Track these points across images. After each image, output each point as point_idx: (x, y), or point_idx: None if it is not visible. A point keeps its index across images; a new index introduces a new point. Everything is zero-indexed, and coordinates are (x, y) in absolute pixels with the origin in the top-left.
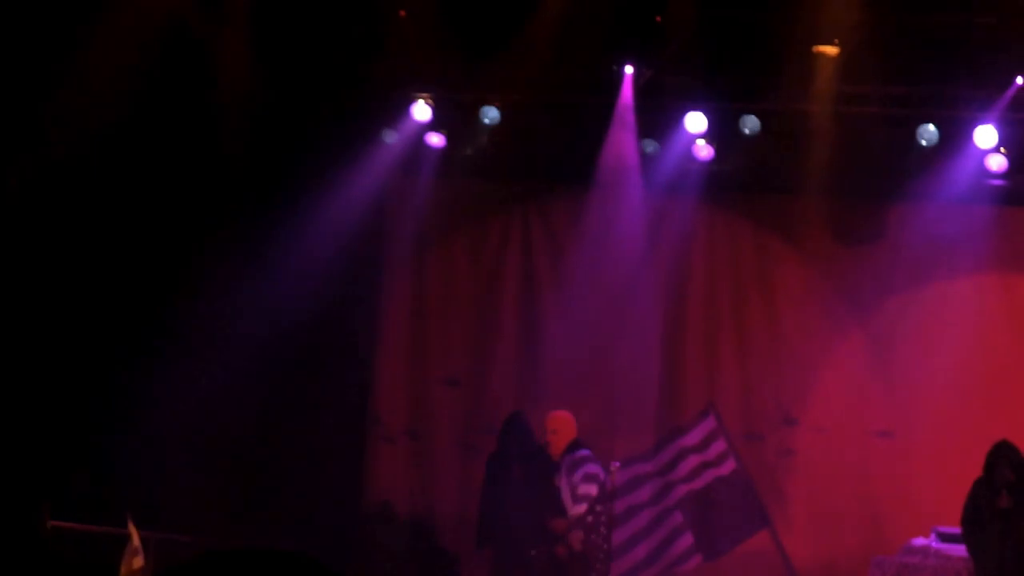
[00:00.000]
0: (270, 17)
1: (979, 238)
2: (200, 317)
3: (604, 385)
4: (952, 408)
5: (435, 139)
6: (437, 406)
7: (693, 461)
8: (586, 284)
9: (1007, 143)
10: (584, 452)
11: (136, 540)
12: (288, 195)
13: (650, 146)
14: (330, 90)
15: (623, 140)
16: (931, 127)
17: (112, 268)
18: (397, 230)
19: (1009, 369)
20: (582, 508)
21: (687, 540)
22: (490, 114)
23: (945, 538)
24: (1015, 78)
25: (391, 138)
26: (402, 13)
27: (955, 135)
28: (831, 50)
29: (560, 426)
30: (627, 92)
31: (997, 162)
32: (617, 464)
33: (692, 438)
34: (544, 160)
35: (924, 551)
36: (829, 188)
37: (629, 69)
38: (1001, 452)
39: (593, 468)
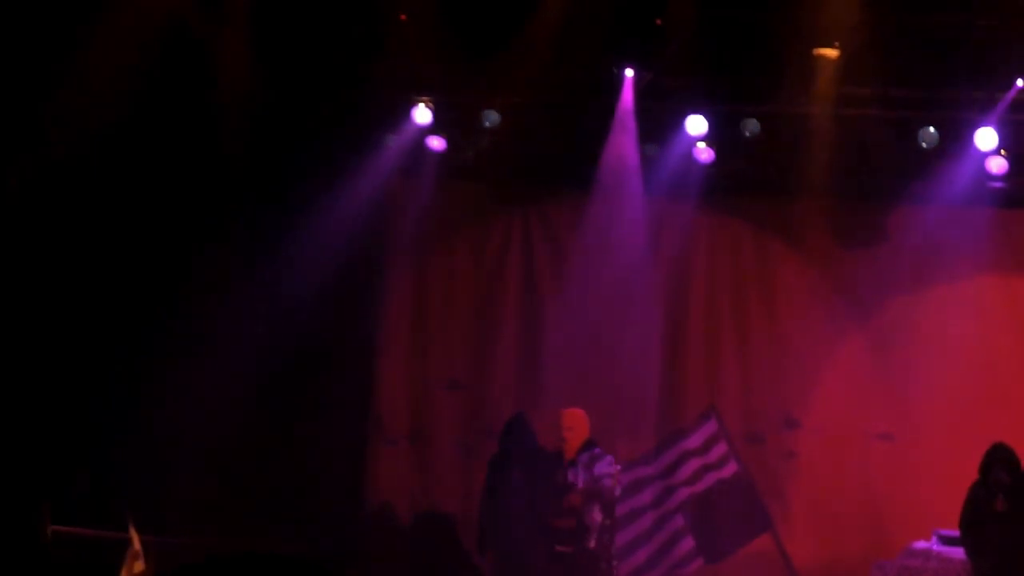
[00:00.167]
0: (270, 19)
1: (980, 240)
2: (200, 319)
3: (605, 388)
4: (953, 410)
5: (435, 142)
6: (438, 408)
7: (694, 464)
8: (587, 287)
9: (1007, 145)
10: (598, 450)
11: (137, 544)
12: (288, 197)
13: (651, 149)
14: (330, 92)
15: (624, 143)
16: (931, 129)
17: (111, 269)
18: (398, 233)
19: (1010, 371)
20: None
21: (688, 543)
22: (490, 117)
23: (946, 541)
24: (1015, 80)
25: (391, 141)
26: (402, 16)
27: (955, 137)
28: (831, 52)
29: (576, 423)
30: (627, 95)
31: (997, 164)
32: (618, 467)
33: (693, 441)
34: (545, 163)
35: (925, 554)
36: (830, 190)
37: (629, 72)
38: (996, 455)
39: (611, 467)
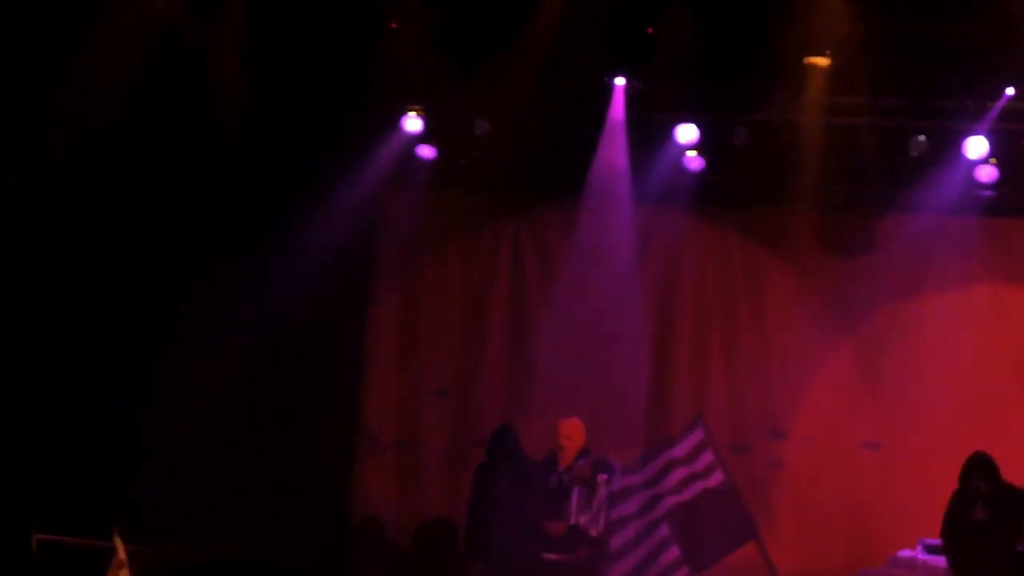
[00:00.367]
0: (264, 27)
1: (969, 249)
2: (187, 328)
3: (593, 396)
4: (940, 420)
5: (426, 151)
6: (426, 417)
7: (681, 473)
8: (576, 295)
9: (997, 154)
10: (595, 458)
11: (122, 553)
12: (279, 206)
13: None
14: (322, 101)
15: (614, 151)
16: (921, 138)
17: (98, 278)
18: (388, 241)
19: (998, 380)
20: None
21: (674, 552)
22: (481, 126)
23: (932, 550)
24: (1005, 89)
25: (382, 150)
26: (393, 25)
27: (945, 146)
28: (822, 61)
29: (575, 432)
30: (618, 103)
31: (987, 173)
32: (605, 476)
33: (680, 450)
34: (535, 171)
35: (910, 563)
36: (819, 199)
37: (620, 80)
38: (975, 464)
39: (607, 476)
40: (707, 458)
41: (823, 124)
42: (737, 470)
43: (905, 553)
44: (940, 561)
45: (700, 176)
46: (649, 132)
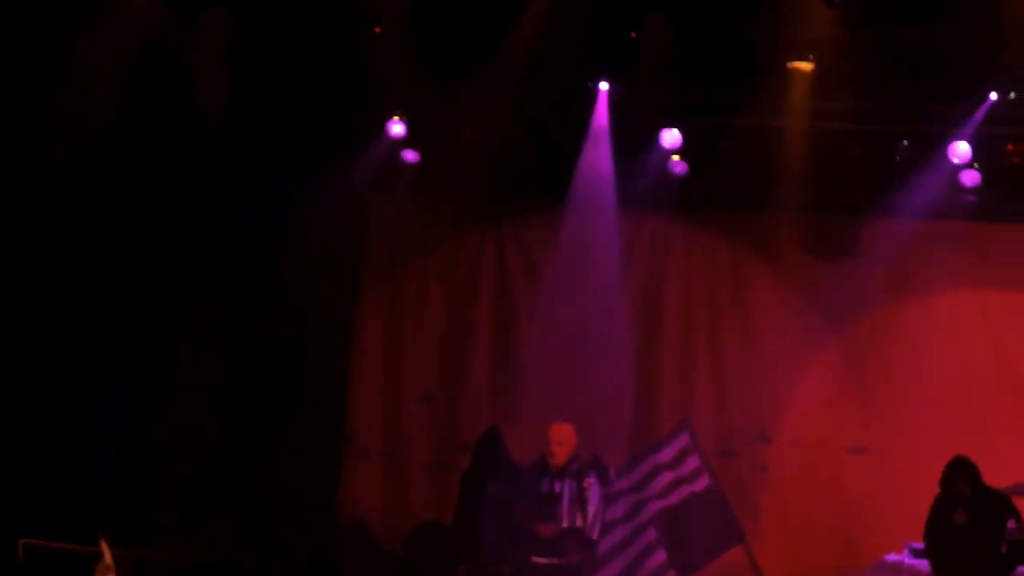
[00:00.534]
0: (246, 35)
1: (953, 253)
2: (170, 336)
3: (579, 401)
4: (926, 424)
5: (410, 155)
6: (412, 422)
7: (667, 477)
8: (561, 300)
9: (980, 158)
10: (587, 464)
11: (108, 558)
12: (263, 211)
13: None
14: (306, 106)
15: (598, 156)
16: (905, 143)
17: (81, 286)
18: (372, 246)
19: (982, 384)
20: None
21: (660, 556)
22: (465, 131)
23: (918, 554)
24: (989, 94)
25: (366, 155)
26: (377, 30)
27: (929, 150)
28: (806, 66)
29: (566, 437)
30: (602, 108)
31: (971, 177)
32: (591, 480)
33: (666, 454)
34: (519, 176)
35: (896, 567)
36: (804, 203)
37: (604, 85)
38: (956, 468)
39: (596, 480)
40: (693, 463)
41: (807, 129)
42: (723, 474)
43: (891, 557)
44: (926, 564)
45: (684, 181)
46: (633, 137)
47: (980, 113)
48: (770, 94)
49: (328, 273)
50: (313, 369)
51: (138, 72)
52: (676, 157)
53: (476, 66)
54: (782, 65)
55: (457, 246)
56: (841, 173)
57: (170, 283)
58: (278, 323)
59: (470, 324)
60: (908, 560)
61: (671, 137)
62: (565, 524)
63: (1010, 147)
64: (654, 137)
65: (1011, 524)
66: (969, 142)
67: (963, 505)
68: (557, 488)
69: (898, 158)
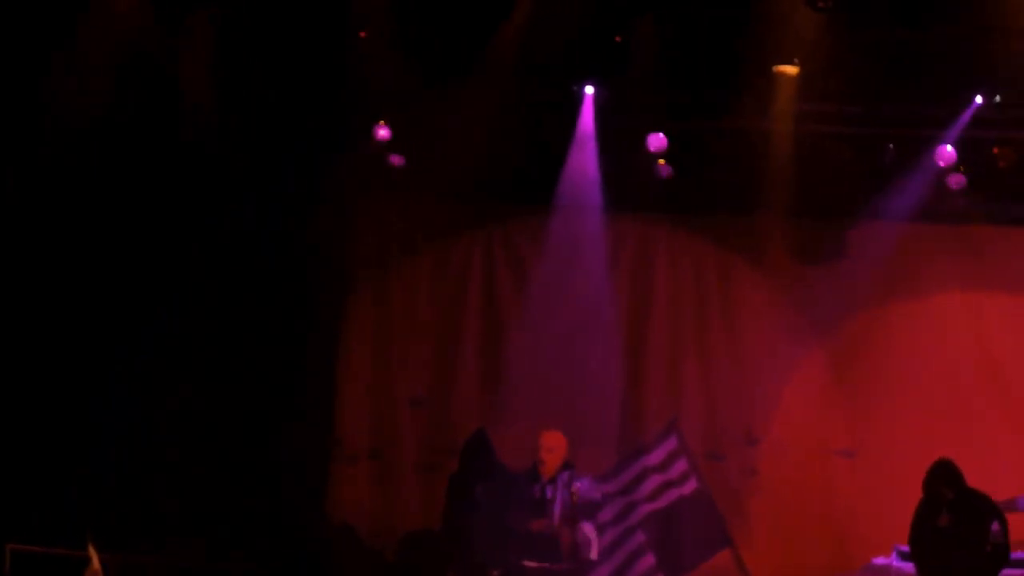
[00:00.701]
0: (232, 38)
1: (939, 256)
2: (158, 339)
3: (567, 404)
4: (914, 426)
5: (396, 159)
6: (399, 426)
7: (655, 480)
8: (548, 303)
9: (967, 161)
10: (577, 474)
11: (96, 563)
12: (250, 214)
13: (611, 166)
14: (291, 110)
15: (585, 159)
16: (891, 146)
17: (65, 292)
18: (359, 250)
19: (970, 387)
20: (582, 524)
21: (649, 560)
22: (452, 135)
23: (906, 556)
24: (974, 97)
25: (353, 158)
26: (363, 34)
27: (915, 154)
28: (791, 69)
29: (557, 445)
30: (588, 111)
31: (957, 180)
32: (579, 484)
33: (654, 457)
34: (506, 180)
35: (885, 570)
36: (790, 206)
37: (590, 89)
38: (938, 471)
39: (586, 484)
40: (681, 466)
41: (793, 132)
42: (711, 478)
43: (880, 560)
44: (914, 567)
45: (671, 184)
46: (619, 140)
47: (966, 116)
48: (756, 97)
49: (316, 276)
50: (301, 374)
51: (125, 76)
52: (663, 160)
53: (462, 70)
54: (768, 68)
55: (445, 250)
56: (827, 176)
57: (153, 287)
58: (266, 327)
59: (458, 327)
60: (896, 563)
61: (658, 140)
62: (553, 529)
63: (996, 150)
64: (641, 140)
65: (995, 526)
66: (955, 145)
67: (946, 508)
68: (549, 494)
69: (884, 161)
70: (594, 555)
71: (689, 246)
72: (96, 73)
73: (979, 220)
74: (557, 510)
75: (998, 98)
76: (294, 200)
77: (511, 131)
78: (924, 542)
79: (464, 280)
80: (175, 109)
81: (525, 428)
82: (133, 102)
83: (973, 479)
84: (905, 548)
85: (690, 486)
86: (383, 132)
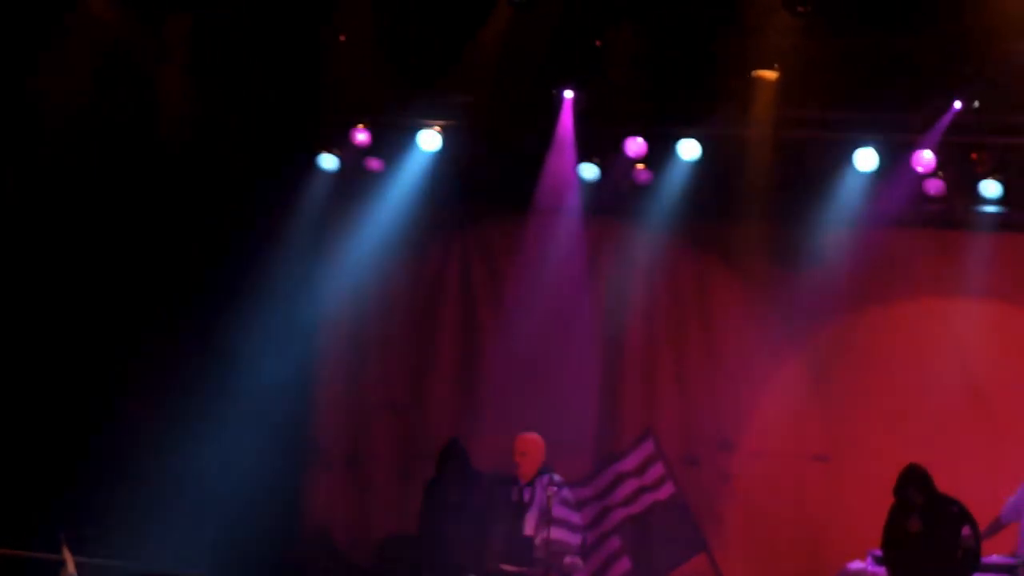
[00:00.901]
0: (210, 44)
1: (917, 262)
2: (133, 346)
3: (543, 409)
4: (889, 432)
5: (374, 164)
6: (376, 432)
7: (631, 485)
8: (525, 309)
9: (945, 167)
10: (558, 477)
11: (72, 566)
12: (227, 220)
13: (589, 170)
14: (270, 116)
15: (562, 164)
16: (870, 151)
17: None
18: (335, 254)
19: (945, 392)
20: (559, 533)
21: (625, 564)
22: (429, 139)
23: (881, 561)
24: (952, 102)
25: (330, 163)
26: (341, 38)
27: (894, 159)
28: (770, 74)
29: (530, 448)
30: (566, 116)
31: (935, 186)
32: (554, 489)
33: (630, 462)
34: (483, 184)
35: (860, 574)
36: (768, 212)
37: (568, 93)
38: (908, 476)
39: (569, 494)
40: (657, 471)
41: (771, 137)
42: (687, 483)
43: (855, 565)
44: None
45: (649, 189)
46: (598, 145)
47: (944, 122)
48: (735, 103)
49: (291, 281)
50: (277, 378)
51: (104, 77)
52: (641, 165)
53: (441, 74)
54: (747, 73)
55: (421, 254)
56: (805, 182)
57: (126, 291)
58: (242, 332)
59: (434, 332)
60: (871, 568)
61: (635, 145)
62: (530, 533)
63: (974, 156)
64: (619, 145)
65: (966, 531)
66: (933, 151)
67: (917, 513)
68: (527, 497)
69: (862, 166)
70: (541, 570)
71: (666, 251)
72: (76, 73)
73: (957, 226)
74: (535, 514)
75: (976, 104)
76: (269, 204)
77: (489, 135)
78: (896, 547)
79: (440, 285)
80: (150, 113)
81: (501, 433)
82: (112, 103)
83: (947, 484)
84: (880, 553)
85: (666, 491)
86: (361, 136)
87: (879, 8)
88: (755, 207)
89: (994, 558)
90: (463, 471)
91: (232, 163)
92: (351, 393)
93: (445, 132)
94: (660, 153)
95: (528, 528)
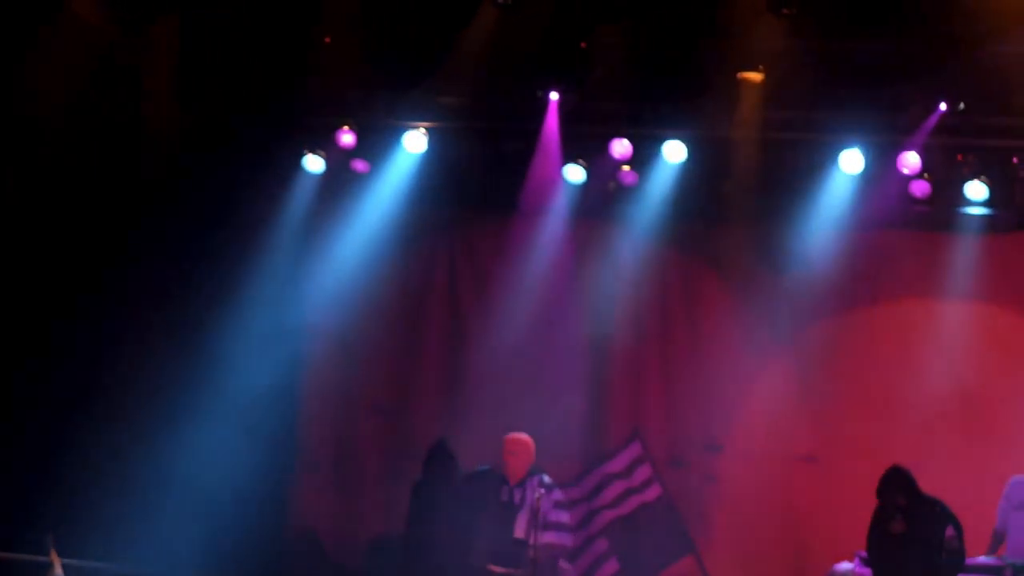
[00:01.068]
0: (196, 45)
1: (903, 264)
2: (118, 347)
3: (530, 411)
4: (875, 433)
5: (359, 166)
6: (362, 433)
7: (618, 487)
8: (511, 310)
9: (930, 169)
10: (548, 478)
11: (59, 568)
12: (213, 222)
13: (575, 172)
14: (255, 117)
15: (548, 166)
16: (855, 152)
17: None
18: (321, 256)
19: (931, 394)
20: (552, 536)
21: (612, 566)
22: (415, 140)
23: (868, 562)
24: (938, 104)
25: (316, 164)
26: (327, 39)
27: (879, 161)
28: (756, 76)
29: (519, 448)
30: (552, 118)
31: (920, 188)
32: (543, 491)
33: (617, 464)
34: (469, 186)
35: None
36: (754, 214)
37: (554, 95)
38: (891, 478)
39: (560, 495)
40: (644, 472)
41: (757, 139)
42: (674, 484)
43: (842, 566)
44: None
45: (634, 191)
46: (583, 147)
47: (930, 123)
48: (721, 105)
49: (277, 283)
50: (263, 380)
51: (88, 81)
52: (627, 167)
53: (427, 76)
54: (732, 75)
55: (407, 256)
56: (791, 184)
57: (110, 291)
58: (227, 334)
59: (420, 334)
60: (859, 569)
61: (621, 147)
62: (520, 535)
63: (960, 157)
64: (604, 148)
65: (949, 532)
66: (919, 152)
67: (900, 514)
68: (516, 498)
69: (848, 168)
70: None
71: (652, 253)
72: (62, 75)
73: (943, 228)
74: (525, 516)
75: (962, 106)
76: (253, 205)
77: (475, 137)
78: (879, 548)
79: (427, 287)
80: (136, 115)
81: (489, 433)
82: (97, 104)
83: (933, 485)
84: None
85: (653, 493)
86: (347, 138)
87: (864, 10)
88: (741, 209)
89: (980, 559)
90: (450, 472)
91: (217, 164)
92: (338, 394)
93: (430, 134)
94: (646, 155)
95: (518, 530)
